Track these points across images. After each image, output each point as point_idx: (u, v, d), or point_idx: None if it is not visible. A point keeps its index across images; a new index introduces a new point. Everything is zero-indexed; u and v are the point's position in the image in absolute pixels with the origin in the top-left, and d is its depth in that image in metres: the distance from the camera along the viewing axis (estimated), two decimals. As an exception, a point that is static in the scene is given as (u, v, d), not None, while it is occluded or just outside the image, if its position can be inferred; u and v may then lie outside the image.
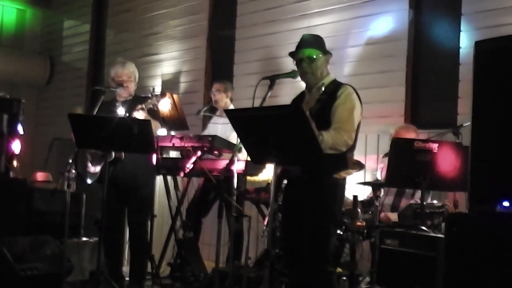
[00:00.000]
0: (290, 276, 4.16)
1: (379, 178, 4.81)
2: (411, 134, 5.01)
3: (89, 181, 5.14)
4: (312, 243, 3.74)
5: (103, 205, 4.55)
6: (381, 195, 4.79)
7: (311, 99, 3.91)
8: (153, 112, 5.13)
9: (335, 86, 3.89)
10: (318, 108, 3.81)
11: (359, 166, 5.05)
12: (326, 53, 3.96)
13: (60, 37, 10.72)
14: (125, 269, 5.49)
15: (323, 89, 3.89)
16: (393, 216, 4.97)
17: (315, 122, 3.50)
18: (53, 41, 10.87)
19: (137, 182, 5.21)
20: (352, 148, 3.84)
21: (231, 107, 6.22)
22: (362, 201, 4.97)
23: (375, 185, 4.72)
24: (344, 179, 3.89)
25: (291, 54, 3.98)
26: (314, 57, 3.87)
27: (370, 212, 4.87)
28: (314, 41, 3.95)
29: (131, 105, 5.05)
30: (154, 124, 5.16)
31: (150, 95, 5.18)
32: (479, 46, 2.83)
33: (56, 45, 10.75)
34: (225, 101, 6.25)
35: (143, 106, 4.94)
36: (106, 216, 4.58)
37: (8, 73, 10.14)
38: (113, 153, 4.84)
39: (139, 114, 4.90)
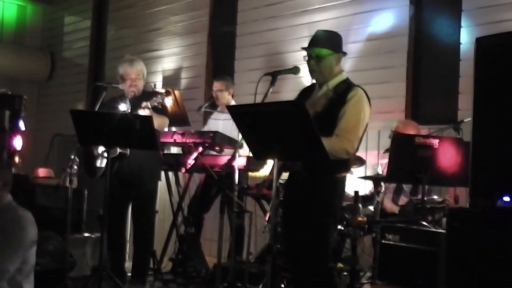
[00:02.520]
0: (291, 272, 4.17)
1: (380, 173, 4.82)
2: (410, 130, 5.01)
3: (96, 175, 5.16)
4: (311, 239, 3.73)
5: (105, 200, 4.57)
6: (381, 191, 4.81)
7: (318, 96, 3.86)
8: (161, 109, 5.14)
9: (347, 86, 3.78)
10: (326, 106, 3.74)
11: (360, 161, 5.07)
12: (338, 51, 3.85)
13: (61, 33, 10.71)
14: (127, 264, 5.51)
15: (326, 87, 3.84)
16: (396, 208, 5.00)
17: (321, 120, 3.49)
18: (54, 37, 10.86)
19: (143, 177, 5.24)
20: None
21: (233, 103, 6.22)
22: (363, 196, 4.99)
23: (376, 180, 4.74)
24: (344, 176, 3.84)
25: (305, 49, 3.88)
26: (322, 56, 3.78)
27: (370, 207, 4.90)
28: (326, 39, 3.84)
29: (138, 102, 5.07)
30: (162, 120, 5.20)
31: (155, 93, 5.21)
32: (480, 42, 2.85)
33: (57, 41, 10.75)
34: (228, 98, 6.23)
35: (148, 104, 4.96)
36: (109, 212, 4.60)
37: (9, 69, 10.13)
38: (118, 149, 4.85)
39: (144, 113, 4.92)
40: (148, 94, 5.35)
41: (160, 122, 5.14)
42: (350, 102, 3.70)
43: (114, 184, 5.03)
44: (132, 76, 5.29)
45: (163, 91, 5.54)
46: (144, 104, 4.97)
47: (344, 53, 3.91)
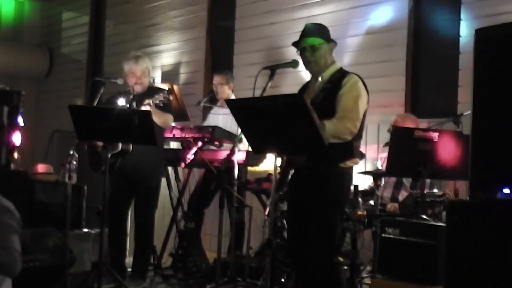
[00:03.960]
0: (294, 267, 4.15)
1: (380, 167, 4.82)
2: (408, 124, 5.00)
3: (100, 169, 5.12)
4: (318, 233, 3.72)
5: (104, 196, 4.56)
6: (381, 185, 4.80)
7: (315, 88, 3.90)
8: (165, 106, 5.13)
9: (341, 75, 3.85)
10: (323, 96, 3.79)
11: (360, 155, 5.06)
12: (330, 41, 3.91)
13: (59, 29, 10.69)
14: (128, 260, 5.51)
15: (319, 78, 3.87)
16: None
17: (320, 111, 3.48)
18: (52, 33, 10.84)
19: (145, 173, 5.23)
20: (358, 136, 3.81)
21: (232, 97, 6.21)
22: (362, 191, 4.98)
23: (376, 175, 4.73)
24: (351, 168, 3.86)
25: (294, 44, 3.94)
26: (317, 45, 3.84)
27: (371, 202, 4.89)
28: (316, 30, 3.92)
29: (141, 99, 5.06)
30: (166, 117, 5.19)
31: (157, 90, 5.21)
32: (480, 34, 2.83)
33: (55, 37, 10.73)
34: (228, 93, 6.22)
35: (150, 102, 4.95)
36: (110, 207, 4.60)
37: (7, 65, 10.11)
38: (120, 145, 4.84)
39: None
40: (151, 91, 5.33)
41: (164, 119, 5.13)
42: (345, 87, 3.77)
43: (116, 180, 5.02)
44: (137, 73, 5.28)
45: (166, 88, 5.53)
46: (146, 101, 4.96)
47: (335, 43, 3.96)
